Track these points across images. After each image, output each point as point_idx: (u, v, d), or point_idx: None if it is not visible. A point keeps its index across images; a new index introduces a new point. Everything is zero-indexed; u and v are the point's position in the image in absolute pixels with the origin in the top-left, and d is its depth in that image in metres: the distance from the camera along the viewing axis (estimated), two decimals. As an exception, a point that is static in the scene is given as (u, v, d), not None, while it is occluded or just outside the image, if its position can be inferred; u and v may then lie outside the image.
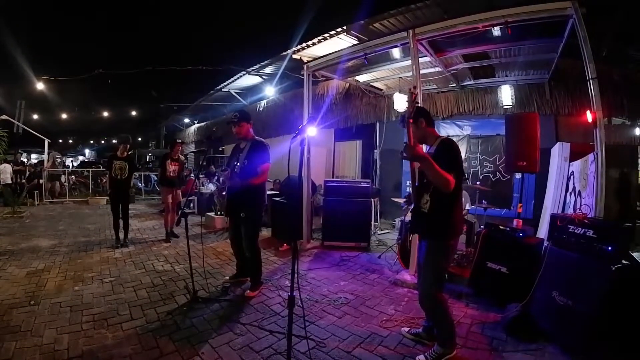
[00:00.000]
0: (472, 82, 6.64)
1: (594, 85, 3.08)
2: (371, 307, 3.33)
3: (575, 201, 4.15)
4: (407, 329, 2.81)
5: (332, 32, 5.41)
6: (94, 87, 14.41)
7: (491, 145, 6.50)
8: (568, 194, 4.57)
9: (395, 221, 7.22)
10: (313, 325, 2.87)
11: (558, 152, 4.85)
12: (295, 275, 2.07)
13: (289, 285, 3.68)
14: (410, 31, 4.10)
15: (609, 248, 2.46)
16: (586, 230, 2.66)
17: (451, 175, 2.11)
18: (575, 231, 2.74)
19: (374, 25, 5.18)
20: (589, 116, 3.11)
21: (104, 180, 10.61)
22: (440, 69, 5.68)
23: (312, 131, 5.64)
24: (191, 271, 3.34)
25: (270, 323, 2.92)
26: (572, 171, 4.47)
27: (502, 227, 3.65)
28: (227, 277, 3.90)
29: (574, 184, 4.36)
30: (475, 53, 5.10)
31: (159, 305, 3.21)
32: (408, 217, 2.72)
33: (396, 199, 5.93)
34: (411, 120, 2.22)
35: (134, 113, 17.68)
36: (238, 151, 3.62)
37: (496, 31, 4.05)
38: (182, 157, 6.08)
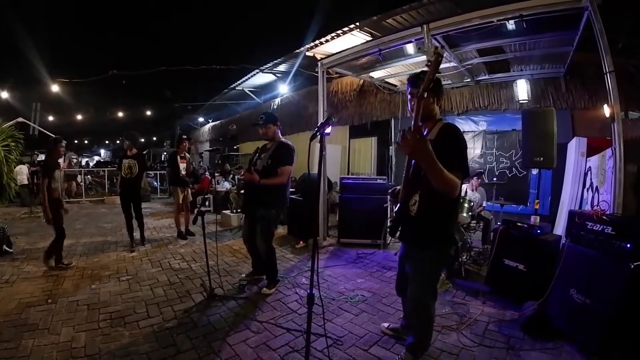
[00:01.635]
0: (487, 76, 6.54)
1: (612, 78, 3.00)
2: (388, 304, 3.33)
3: (592, 197, 4.07)
4: (386, 324, 2.79)
5: (345, 29, 5.41)
6: (108, 88, 14.64)
7: (507, 140, 6.41)
8: (585, 189, 4.48)
9: None
10: (330, 322, 2.89)
11: (575, 147, 4.76)
12: (315, 274, 1.99)
13: (306, 282, 3.76)
14: (425, 26, 4.07)
15: (628, 245, 2.39)
16: (605, 226, 2.60)
17: (456, 174, 1.69)
18: (594, 228, 2.68)
19: (387, 21, 5.15)
20: (606, 110, 3.05)
21: (117, 180, 10.83)
22: (455, 64, 5.63)
23: (328, 128, 5.70)
24: (208, 269, 3.38)
25: (287, 321, 2.94)
26: (590, 166, 4.38)
27: (519, 224, 3.59)
28: (244, 275, 3.93)
29: (591, 179, 4.27)
30: (490, 47, 5.04)
31: (175, 303, 3.25)
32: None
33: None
34: (425, 94, 1.67)
35: (148, 113, 17.85)
36: (263, 151, 3.63)
37: (511, 25, 4.00)
38: (188, 155, 6.05)
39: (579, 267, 2.67)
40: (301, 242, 5.47)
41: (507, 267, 3.44)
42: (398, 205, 2.09)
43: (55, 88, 11.17)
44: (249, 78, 10.56)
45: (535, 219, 3.65)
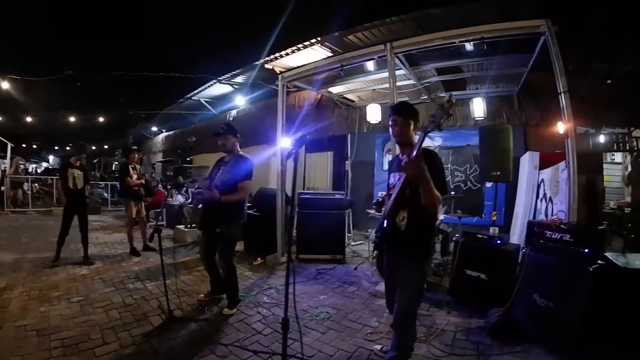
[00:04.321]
0: (443, 94, 6.80)
1: (566, 98, 3.23)
2: (354, 320, 3.28)
3: (546, 207, 4.33)
4: (379, 346, 2.75)
5: (307, 43, 5.38)
6: (62, 91, 13.60)
7: (462, 155, 6.70)
8: (539, 200, 4.76)
9: (368, 232, 7.23)
10: (297, 342, 2.76)
11: (528, 161, 5.07)
12: (289, 295, 2.10)
13: (268, 301, 3.63)
14: (388, 44, 4.16)
15: (586, 250, 2.60)
16: (563, 234, 2.80)
17: (439, 192, 1.95)
18: (553, 236, 2.88)
19: (349, 37, 5.22)
20: (560, 127, 3.25)
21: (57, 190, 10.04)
22: (413, 82, 5.78)
23: (286, 142, 5.65)
24: (165, 289, 3.15)
25: (252, 343, 2.79)
26: (542, 179, 4.67)
27: (479, 235, 3.72)
28: (202, 295, 3.71)
29: (544, 190, 4.55)
30: (449, 67, 5.25)
31: (133, 327, 2.99)
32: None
33: (370, 211, 5.94)
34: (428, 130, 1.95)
35: (101, 119, 16.77)
36: (222, 164, 3.48)
37: (469, 46, 4.19)
38: (139, 166, 5.77)
39: (540, 273, 2.84)
40: (259, 258, 5.28)
41: (469, 277, 3.54)
42: (384, 221, 2.23)
43: (5, 85, 10.09)
44: (206, 88, 10.30)
45: (494, 230, 3.80)
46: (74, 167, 4.92)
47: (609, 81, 5.32)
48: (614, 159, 7.49)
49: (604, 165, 6.47)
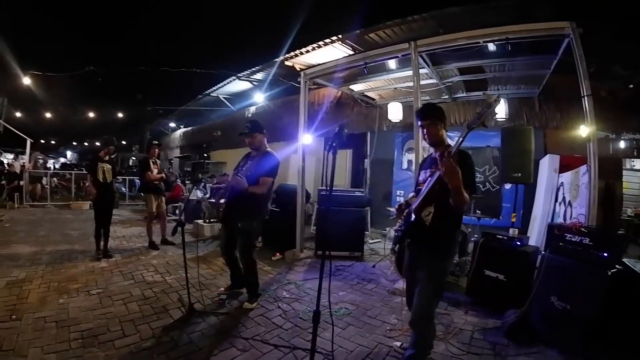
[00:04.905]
0: (464, 94, 6.78)
1: (589, 101, 3.21)
2: (373, 317, 3.32)
3: (565, 211, 4.29)
4: (399, 343, 2.78)
5: (327, 40, 5.42)
6: (80, 87, 13.81)
7: (481, 156, 6.64)
8: (557, 203, 4.71)
9: (386, 230, 7.26)
10: (318, 337, 2.82)
11: (548, 163, 5.01)
12: (324, 289, 2.13)
13: (287, 296, 3.70)
14: (412, 43, 4.18)
15: (605, 254, 2.61)
16: (582, 238, 2.81)
17: (468, 192, 1.97)
18: (572, 239, 2.88)
19: (369, 35, 5.24)
20: (583, 130, 3.22)
21: (87, 184, 10.26)
22: (435, 81, 5.78)
23: (307, 139, 5.71)
24: (187, 282, 3.21)
25: (273, 337, 2.84)
26: (562, 182, 4.62)
27: (499, 236, 3.71)
28: (222, 289, 3.77)
29: (563, 194, 4.50)
30: (471, 67, 5.23)
31: (152, 320, 3.03)
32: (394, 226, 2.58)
33: (390, 208, 5.95)
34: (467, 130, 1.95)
35: (119, 115, 17.12)
36: (249, 159, 3.52)
37: (492, 46, 4.18)
38: (158, 161, 5.85)
39: (559, 275, 2.83)
40: (277, 254, 5.34)
41: (487, 278, 3.54)
42: (410, 216, 2.26)
43: (26, 81, 10.33)
44: (225, 85, 10.39)
45: (514, 231, 3.79)
46: (103, 161, 5.02)
47: (631, 85, 5.23)
48: (633, 166, 7.32)
49: (623, 172, 6.37)
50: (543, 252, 3.24)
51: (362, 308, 3.53)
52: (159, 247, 5.60)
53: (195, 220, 7.25)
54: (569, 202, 4.14)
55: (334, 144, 1.99)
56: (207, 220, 7.06)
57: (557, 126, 5.82)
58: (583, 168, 3.54)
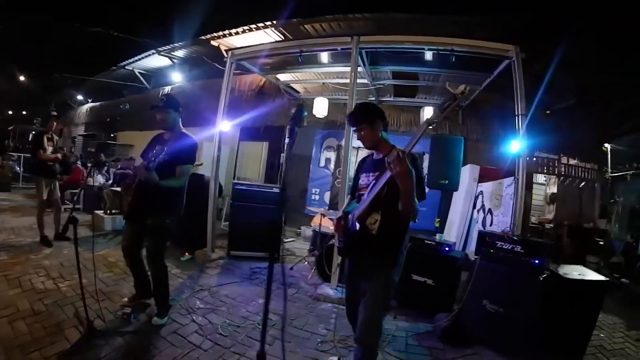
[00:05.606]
0: (391, 98, 6.92)
1: (522, 120, 3.39)
2: (300, 327, 3.05)
3: (484, 218, 4.57)
4: (335, 357, 2.58)
5: (260, 24, 5.09)
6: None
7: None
8: (476, 210, 5.02)
9: (300, 229, 7.10)
10: (243, 357, 2.45)
11: (468, 172, 5.33)
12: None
13: (201, 306, 3.20)
14: (355, 37, 4.00)
15: (537, 261, 2.84)
16: (514, 245, 2.99)
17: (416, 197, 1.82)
18: (504, 246, 3.04)
19: (305, 25, 5.03)
20: (514, 146, 3.39)
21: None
22: (366, 81, 5.71)
23: (225, 126, 5.19)
24: (82, 294, 2.54)
25: (190, 360, 2.37)
26: (481, 191, 4.93)
27: (427, 242, 3.76)
28: (126, 299, 3.09)
29: (482, 202, 4.80)
30: (405, 72, 5.30)
31: (45, 345, 2.32)
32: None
33: (312, 208, 5.76)
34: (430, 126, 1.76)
35: (22, 79, 14.11)
36: (160, 141, 2.89)
37: (430, 55, 4.24)
38: (56, 137, 4.88)
39: (491, 280, 2.99)
40: (187, 253, 4.76)
41: (415, 282, 3.57)
42: (354, 226, 2.03)
43: None
44: (143, 58, 9.36)
45: (440, 237, 3.90)
46: None
47: (548, 112, 5.83)
48: (537, 180, 8.33)
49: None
50: (474, 258, 3.34)
51: (287, 318, 3.18)
52: (52, 244, 4.57)
53: (95, 211, 6.17)
54: (489, 210, 4.41)
55: (294, 129, 1.66)
56: (108, 212, 6.08)
57: (477, 139, 6.28)
58: (507, 180, 3.77)
